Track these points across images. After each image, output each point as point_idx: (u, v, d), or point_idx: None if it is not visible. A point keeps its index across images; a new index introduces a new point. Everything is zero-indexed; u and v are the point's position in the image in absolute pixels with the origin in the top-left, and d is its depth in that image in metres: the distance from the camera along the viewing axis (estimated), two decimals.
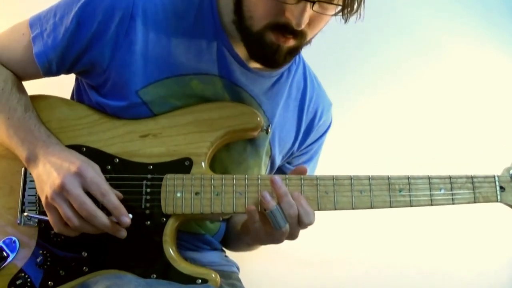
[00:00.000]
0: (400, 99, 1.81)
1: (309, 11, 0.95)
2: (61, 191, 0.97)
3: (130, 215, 1.01)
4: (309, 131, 1.27)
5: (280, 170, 1.30)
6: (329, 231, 1.73)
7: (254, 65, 1.13)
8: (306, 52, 1.27)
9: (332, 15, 0.99)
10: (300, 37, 1.01)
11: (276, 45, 1.01)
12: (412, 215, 1.69)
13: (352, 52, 1.75)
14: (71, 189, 0.97)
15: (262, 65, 1.10)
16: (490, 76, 1.85)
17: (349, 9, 0.97)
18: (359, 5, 0.97)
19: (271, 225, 1.00)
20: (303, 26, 0.97)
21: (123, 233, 1.01)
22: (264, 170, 1.22)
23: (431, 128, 1.81)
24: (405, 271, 1.80)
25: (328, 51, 1.62)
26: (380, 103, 1.80)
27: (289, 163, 1.31)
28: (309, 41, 1.07)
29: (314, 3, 0.95)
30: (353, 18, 0.98)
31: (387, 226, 1.76)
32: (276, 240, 1.05)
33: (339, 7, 0.97)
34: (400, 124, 1.82)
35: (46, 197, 0.99)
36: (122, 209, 0.99)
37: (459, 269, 1.83)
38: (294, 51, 1.05)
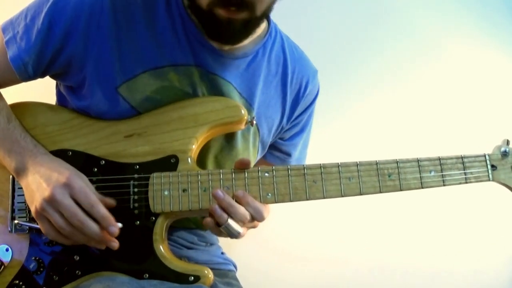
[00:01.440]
0: (400, 98, 1.80)
1: None
2: (51, 202, 0.97)
3: (120, 224, 1.00)
4: (296, 103, 1.25)
5: (273, 147, 1.30)
6: (327, 229, 1.73)
7: (225, 47, 1.11)
8: (305, 51, 1.27)
9: None
10: (246, 7, 0.98)
11: (227, 19, 0.99)
12: (410, 212, 1.70)
13: (350, 51, 1.72)
14: (61, 199, 0.97)
15: (220, 43, 1.09)
16: (490, 76, 1.82)
17: None
18: None
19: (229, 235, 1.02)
20: None
21: (115, 244, 1.01)
22: (255, 152, 1.22)
23: (430, 127, 1.80)
24: (404, 269, 1.79)
25: (326, 49, 1.60)
26: (380, 102, 1.79)
27: (281, 138, 1.30)
28: (266, 12, 1.04)
29: None
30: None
31: (385, 223, 1.76)
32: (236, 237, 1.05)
33: None
34: (399, 122, 1.81)
35: (36, 208, 0.99)
36: (110, 219, 0.99)
37: (459, 267, 1.81)
38: (249, 24, 1.03)
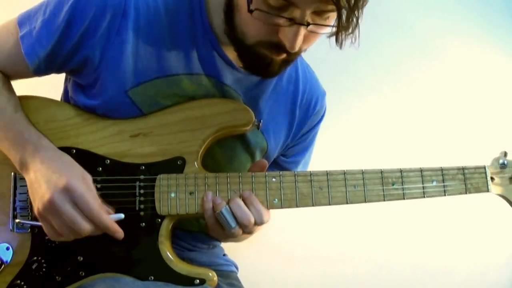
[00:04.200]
0: (398, 98, 1.82)
1: (302, 33, 0.93)
2: (50, 207, 0.95)
3: (122, 215, 1.00)
4: (303, 121, 1.26)
5: (275, 163, 1.30)
6: (328, 230, 1.75)
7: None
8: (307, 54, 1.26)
9: (327, 36, 0.96)
10: (294, 53, 0.99)
11: (270, 58, 1.00)
12: (411, 212, 1.73)
13: (349, 51, 1.72)
14: (60, 206, 0.95)
15: (257, 76, 1.09)
16: (490, 76, 1.86)
17: (343, 32, 0.93)
18: (354, 28, 0.92)
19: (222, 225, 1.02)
20: (297, 49, 0.95)
21: (120, 235, 1.00)
22: None
23: (430, 127, 1.83)
24: (404, 269, 1.82)
25: (325, 48, 1.59)
26: (378, 101, 1.81)
27: (283, 155, 1.31)
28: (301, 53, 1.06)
29: (308, 25, 0.92)
30: (348, 42, 0.95)
31: (386, 223, 1.78)
32: (231, 237, 1.06)
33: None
34: (399, 123, 1.83)
35: (38, 209, 0.97)
36: (115, 226, 0.98)
37: (459, 268, 1.86)
38: (288, 62, 1.04)
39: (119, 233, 0.99)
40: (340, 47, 0.94)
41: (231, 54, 1.09)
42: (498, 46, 1.84)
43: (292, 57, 1.02)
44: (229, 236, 1.05)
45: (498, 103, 1.86)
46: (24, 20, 1.07)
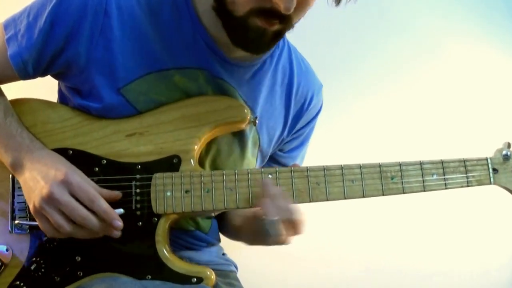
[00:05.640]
0: (399, 96, 1.80)
1: None
2: (50, 199, 0.96)
3: (122, 210, 1.00)
4: (299, 116, 1.24)
5: (272, 159, 1.29)
6: (327, 230, 1.74)
7: (234, 55, 1.10)
8: (304, 50, 1.26)
9: None
10: (286, 21, 0.98)
11: (262, 30, 0.97)
12: (411, 212, 1.71)
13: (348, 50, 1.72)
14: (60, 197, 0.96)
15: (246, 51, 1.05)
16: (490, 76, 1.83)
17: None
18: None
19: (264, 231, 1.01)
20: (292, 11, 0.93)
21: (117, 233, 1.00)
22: (253, 161, 1.21)
23: (430, 125, 1.81)
24: (404, 269, 1.80)
25: (324, 47, 1.58)
26: (378, 97, 1.79)
27: (280, 150, 1.29)
28: (293, 26, 1.03)
29: None
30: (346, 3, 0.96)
31: (386, 224, 1.77)
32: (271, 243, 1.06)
33: None
34: (399, 119, 1.81)
35: (34, 205, 0.98)
36: (113, 213, 0.98)
37: (459, 268, 1.83)
38: (279, 36, 1.02)
39: (118, 220, 0.98)
40: (337, 4, 0.98)
41: (220, 44, 1.08)
42: (498, 46, 1.81)
43: (284, 26, 0.99)
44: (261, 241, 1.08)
45: (498, 102, 1.83)
46: (9, 23, 1.08)
